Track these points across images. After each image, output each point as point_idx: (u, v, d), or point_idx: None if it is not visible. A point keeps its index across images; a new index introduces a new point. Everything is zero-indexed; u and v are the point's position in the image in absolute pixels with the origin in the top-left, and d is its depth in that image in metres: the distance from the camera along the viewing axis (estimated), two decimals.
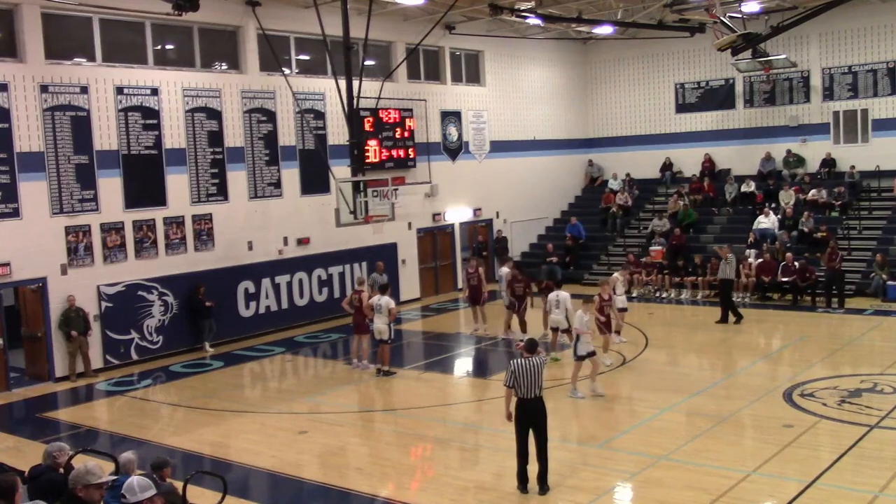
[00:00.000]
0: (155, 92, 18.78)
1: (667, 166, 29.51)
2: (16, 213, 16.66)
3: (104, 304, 17.89)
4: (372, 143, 22.45)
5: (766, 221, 24.63)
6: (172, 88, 19.09)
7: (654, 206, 28.47)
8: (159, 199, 18.90)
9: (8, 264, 16.49)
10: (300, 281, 21.62)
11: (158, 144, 18.85)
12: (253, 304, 20.62)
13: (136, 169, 18.44)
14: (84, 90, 17.61)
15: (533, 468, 10.15)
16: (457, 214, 26.35)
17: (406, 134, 23.68)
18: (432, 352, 19.24)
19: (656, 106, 29.83)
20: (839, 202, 24.84)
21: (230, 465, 11.74)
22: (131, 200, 18.37)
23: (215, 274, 19.69)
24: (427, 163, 24.11)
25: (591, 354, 14.12)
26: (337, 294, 22.01)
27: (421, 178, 23.20)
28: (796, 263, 21.95)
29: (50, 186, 17.13)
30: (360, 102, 19.23)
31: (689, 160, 29.08)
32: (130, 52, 18.63)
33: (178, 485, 8.00)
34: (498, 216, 27.72)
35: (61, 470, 7.56)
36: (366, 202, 18.87)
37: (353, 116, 19.35)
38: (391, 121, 23.24)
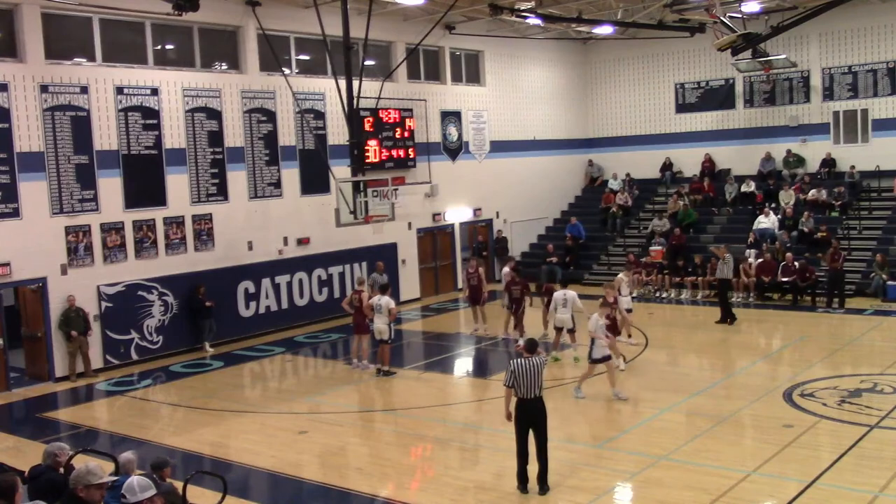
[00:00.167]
0: (155, 92, 18.78)
1: (667, 166, 29.50)
2: (16, 213, 16.66)
3: (104, 304, 17.89)
4: (372, 143, 22.45)
5: (766, 221, 24.62)
6: (172, 88, 19.09)
7: (654, 206, 28.45)
8: (159, 199, 18.90)
9: (8, 264, 16.49)
10: (300, 281, 21.62)
11: (158, 144, 18.85)
12: (253, 304, 20.63)
13: (136, 169, 18.44)
14: (84, 90, 17.61)
15: (533, 468, 10.14)
16: (457, 214, 26.34)
17: (406, 134, 23.67)
18: (432, 352, 19.24)
19: (656, 106, 29.82)
20: (839, 202, 24.83)
21: (230, 465, 11.74)
22: (131, 200, 18.37)
23: (215, 274, 19.69)
24: (427, 163, 24.11)
25: (607, 358, 13.93)
26: (337, 294, 22.01)
27: (421, 178, 23.19)
28: (796, 263, 21.94)
29: (50, 186, 17.13)
30: (360, 102, 19.23)
31: (689, 160, 29.07)
32: (130, 52, 18.63)
33: (178, 485, 8.00)
34: (498, 216, 27.72)
35: (61, 470, 7.57)
36: (366, 202, 18.86)
37: (353, 116, 19.35)
38: (391, 121, 23.24)
